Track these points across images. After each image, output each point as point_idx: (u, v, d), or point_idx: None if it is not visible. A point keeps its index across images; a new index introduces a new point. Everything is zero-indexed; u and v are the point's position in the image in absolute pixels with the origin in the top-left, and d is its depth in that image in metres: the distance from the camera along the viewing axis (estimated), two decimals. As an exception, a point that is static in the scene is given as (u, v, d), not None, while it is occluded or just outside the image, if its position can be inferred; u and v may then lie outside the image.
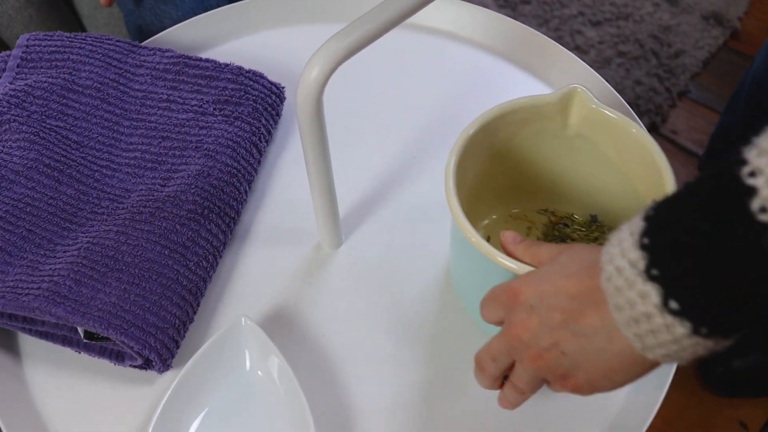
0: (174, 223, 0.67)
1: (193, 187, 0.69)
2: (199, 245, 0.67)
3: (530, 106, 0.64)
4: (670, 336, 0.41)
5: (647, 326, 0.42)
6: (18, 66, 0.77)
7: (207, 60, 0.78)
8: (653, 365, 0.46)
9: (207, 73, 0.77)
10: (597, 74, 0.81)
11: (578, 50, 1.61)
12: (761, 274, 0.38)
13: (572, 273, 0.48)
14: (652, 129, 1.53)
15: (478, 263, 0.59)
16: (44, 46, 0.78)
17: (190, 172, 0.71)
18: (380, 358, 0.65)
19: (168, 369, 0.64)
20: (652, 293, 0.41)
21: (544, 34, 1.64)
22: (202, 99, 0.76)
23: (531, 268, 0.55)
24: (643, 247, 0.42)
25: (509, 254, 0.57)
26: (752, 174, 0.37)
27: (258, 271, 0.70)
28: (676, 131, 1.53)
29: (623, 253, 0.43)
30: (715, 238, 0.39)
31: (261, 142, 0.75)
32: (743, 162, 0.38)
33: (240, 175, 0.72)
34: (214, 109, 0.75)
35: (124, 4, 0.95)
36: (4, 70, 0.78)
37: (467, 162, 0.62)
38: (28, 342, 0.67)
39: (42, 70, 0.77)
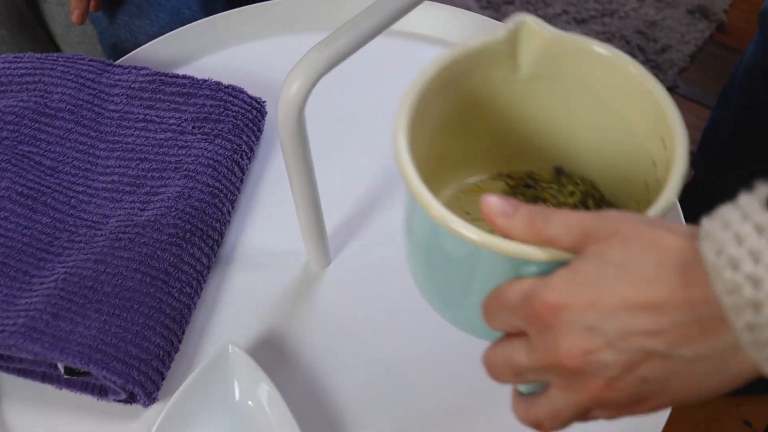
0: (155, 249, 0.64)
1: (173, 210, 0.67)
2: (182, 271, 0.64)
3: (477, 51, 0.50)
4: None
5: None
6: (-13, 91, 0.74)
7: (184, 77, 0.75)
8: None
9: (184, 90, 0.74)
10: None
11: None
12: None
13: (646, 277, 0.36)
14: (643, 126, 1.51)
15: (456, 255, 0.46)
16: (14, 69, 0.75)
17: (170, 194, 0.68)
18: (376, 382, 0.63)
19: (154, 402, 0.62)
20: None
21: (529, 34, 1.62)
22: (180, 117, 0.73)
23: (555, 256, 0.41)
24: None
25: (503, 233, 0.42)
26: None
27: (244, 295, 0.68)
28: (667, 128, 1.51)
29: (755, 257, 0.33)
30: None
31: (243, 159, 0.72)
32: None
33: (222, 195, 0.69)
34: (193, 127, 0.72)
35: (98, 21, 0.93)
36: (-28, 96, 0.75)
37: (416, 129, 0.50)
38: (6, 381, 0.64)
39: (12, 93, 0.74)
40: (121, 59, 0.81)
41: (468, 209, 0.57)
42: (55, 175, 0.70)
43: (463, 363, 0.63)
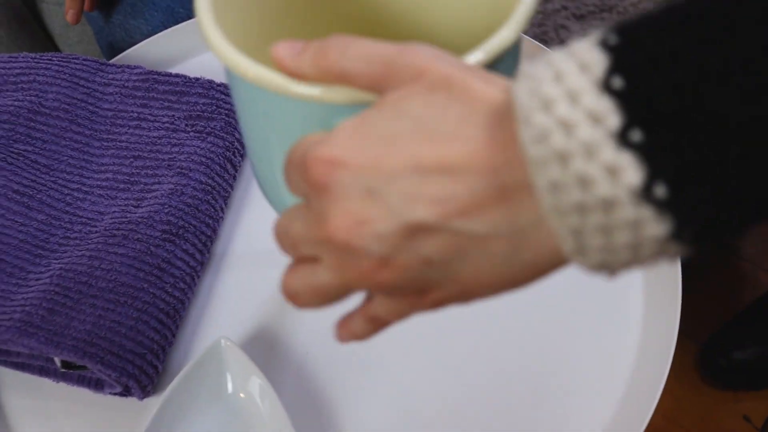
0: (148, 245, 0.65)
1: (166, 206, 0.68)
2: (176, 266, 0.65)
3: None
4: (632, 237, 0.27)
5: (601, 219, 0.27)
6: (-17, 91, 0.75)
7: (177, 75, 0.76)
8: (559, 267, 0.31)
9: (177, 89, 0.75)
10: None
11: (564, 45, 1.60)
12: None
13: (446, 133, 0.30)
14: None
15: (253, 109, 0.39)
16: (9, 68, 0.76)
17: (163, 192, 0.69)
18: (366, 375, 0.63)
19: (148, 395, 0.62)
20: (629, 170, 0.26)
21: (528, 30, 1.63)
22: (173, 115, 0.74)
23: (350, 97, 0.35)
24: (614, 93, 0.26)
25: (293, 75, 0.35)
26: None
27: (237, 291, 0.68)
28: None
29: (572, 97, 0.27)
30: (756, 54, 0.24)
31: (235, 157, 0.73)
32: None
33: (215, 192, 0.70)
34: (186, 125, 0.73)
35: (94, 21, 0.93)
36: (-31, 96, 0.76)
37: (242, 15, 0.42)
38: (4, 374, 0.65)
39: (7, 93, 0.75)
40: (115, 58, 0.82)
41: None
42: (50, 173, 0.71)
43: (456, 358, 0.63)
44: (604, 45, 0.27)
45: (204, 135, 0.72)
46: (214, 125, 0.73)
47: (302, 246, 0.35)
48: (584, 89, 0.26)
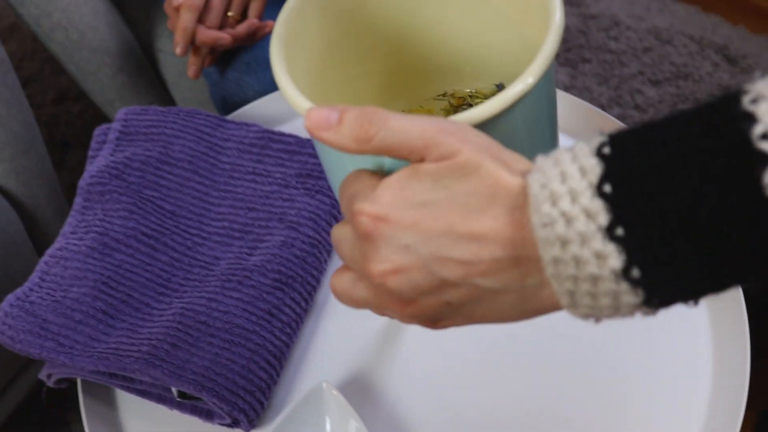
0: (260, 291, 0.72)
1: (277, 257, 0.75)
2: (284, 312, 0.72)
3: None
4: (613, 301, 0.35)
5: (590, 288, 0.35)
6: (117, 139, 0.84)
7: (290, 135, 0.84)
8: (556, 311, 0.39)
9: (290, 148, 0.83)
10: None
11: (638, 109, 1.65)
12: (753, 228, 0.31)
13: (476, 208, 0.37)
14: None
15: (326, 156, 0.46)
16: (140, 121, 0.85)
17: (274, 243, 0.76)
18: (460, 419, 0.69)
19: (253, 428, 0.69)
20: (613, 256, 0.34)
21: (604, 92, 1.68)
22: (285, 172, 0.81)
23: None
24: (604, 196, 0.34)
25: (335, 147, 0.41)
26: (754, 101, 0.31)
27: (336, 337, 0.75)
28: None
29: (573, 196, 0.35)
30: (700, 180, 0.32)
31: (340, 214, 0.80)
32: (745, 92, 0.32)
33: (321, 246, 0.77)
34: (297, 182, 0.80)
35: (210, 75, 1.02)
36: (104, 142, 0.84)
37: (308, 48, 0.50)
38: (126, 399, 0.73)
39: (139, 143, 0.83)
40: (232, 114, 0.90)
41: None
42: (174, 219, 0.79)
43: (542, 416, 0.69)
44: (600, 154, 0.35)
45: (313, 192, 0.80)
46: (323, 184, 0.80)
47: (348, 262, 0.43)
48: (582, 191, 0.34)
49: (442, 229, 0.37)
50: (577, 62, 1.75)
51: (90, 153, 0.84)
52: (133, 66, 1.10)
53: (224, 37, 0.91)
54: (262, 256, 0.75)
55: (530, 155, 0.45)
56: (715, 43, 1.75)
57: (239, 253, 0.77)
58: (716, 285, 0.34)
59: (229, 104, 1.01)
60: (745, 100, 0.32)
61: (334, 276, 0.45)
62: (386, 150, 0.39)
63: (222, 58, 1.00)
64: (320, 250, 0.77)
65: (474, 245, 0.37)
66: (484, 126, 0.44)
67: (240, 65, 0.99)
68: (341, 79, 0.55)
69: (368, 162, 0.43)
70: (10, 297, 0.72)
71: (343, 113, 0.40)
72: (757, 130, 0.30)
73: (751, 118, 0.31)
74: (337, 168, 0.48)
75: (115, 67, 1.08)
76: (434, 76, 0.59)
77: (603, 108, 1.66)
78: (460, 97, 0.60)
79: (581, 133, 0.86)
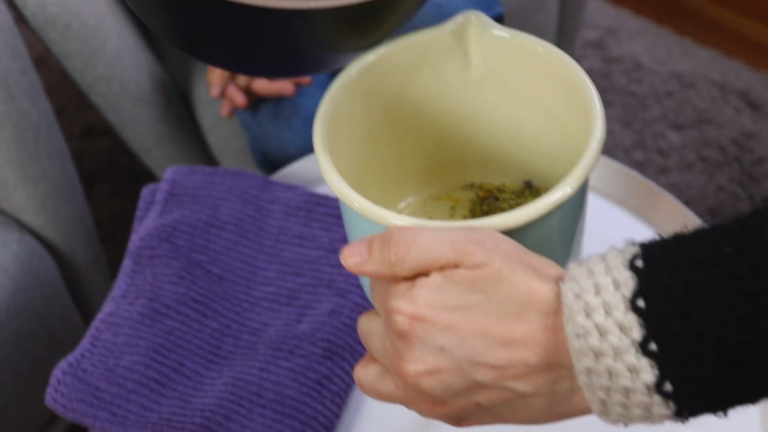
0: (311, 361, 0.73)
1: (326, 325, 0.75)
2: (334, 383, 0.73)
3: (418, 43, 0.52)
4: (645, 412, 0.36)
5: (622, 399, 0.36)
6: (165, 200, 0.84)
7: (335, 199, 0.84)
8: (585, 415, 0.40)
9: (335, 212, 0.83)
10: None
11: (661, 154, 1.66)
12: None
13: (511, 314, 0.38)
14: (735, 235, 1.56)
15: (361, 226, 0.48)
16: (188, 182, 0.85)
17: (323, 310, 0.77)
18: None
19: (304, 500, 0.70)
20: (646, 371, 0.35)
21: (627, 136, 1.69)
22: (331, 237, 0.82)
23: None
24: (638, 311, 0.35)
25: (370, 276, 0.42)
26: None
27: (384, 406, 0.75)
28: (759, 238, 1.56)
29: (607, 308, 0.36)
30: (731, 302, 0.33)
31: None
32: None
33: (369, 314, 0.77)
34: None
35: (249, 128, 1.03)
36: (152, 202, 0.85)
37: (350, 126, 0.52)
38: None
39: (187, 204, 0.84)
40: (276, 174, 0.91)
41: (432, 214, 0.61)
42: (222, 283, 0.80)
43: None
44: (633, 268, 0.36)
45: (360, 259, 0.80)
46: (370, 251, 0.81)
47: (377, 356, 0.43)
48: (616, 304, 0.35)
49: (477, 332, 0.38)
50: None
51: (138, 213, 0.84)
52: (171, 115, 1.11)
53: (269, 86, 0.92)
54: (311, 323, 0.76)
55: (557, 255, 0.47)
56: (738, 88, 1.76)
57: (288, 319, 0.77)
58: (747, 399, 0.36)
59: (268, 158, 1.02)
60: None
61: (359, 367, 0.45)
62: (420, 269, 0.40)
63: (259, 107, 1.01)
64: (369, 319, 0.77)
65: (508, 350, 0.38)
66: (517, 231, 0.45)
67: (281, 121, 1.00)
68: (379, 157, 0.56)
69: None
70: (62, 363, 0.73)
71: (370, 243, 0.42)
72: None
73: None
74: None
75: (154, 117, 1.09)
76: (466, 164, 0.60)
77: (626, 152, 1.67)
78: (487, 190, 0.61)
79: (615, 196, 0.87)
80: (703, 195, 1.58)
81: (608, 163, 0.91)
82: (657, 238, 0.37)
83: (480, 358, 0.38)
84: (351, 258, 0.42)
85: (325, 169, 0.48)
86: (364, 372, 0.45)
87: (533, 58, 0.52)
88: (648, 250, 0.36)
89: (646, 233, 0.84)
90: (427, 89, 0.55)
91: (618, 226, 0.87)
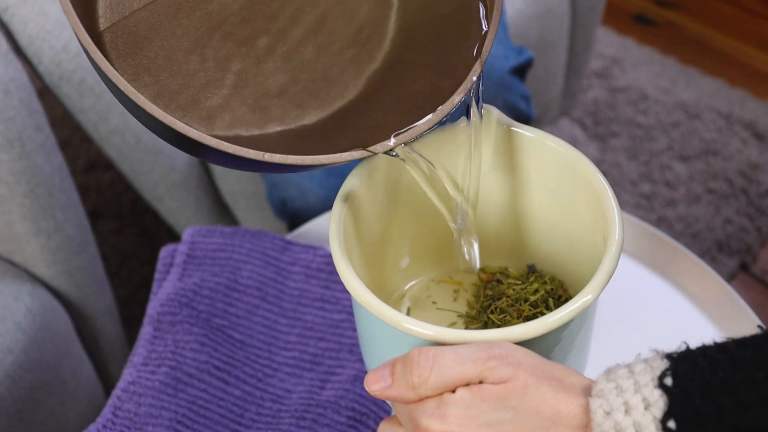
0: (335, 430, 0.72)
1: (350, 392, 0.75)
2: (360, 453, 0.72)
3: (437, 140, 0.55)
4: None
5: None
6: (185, 262, 0.84)
7: (357, 260, 0.84)
8: None
9: (357, 273, 0.83)
10: (731, 290, 0.81)
11: (668, 186, 1.66)
12: None
13: (538, 427, 0.39)
14: (743, 269, 1.56)
15: (374, 326, 0.50)
16: (207, 243, 0.85)
17: (347, 376, 0.76)
18: None
19: None
20: None
21: (634, 168, 1.69)
22: (353, 299, 0.81)
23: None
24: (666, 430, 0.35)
25: (396, 401, 0.44)
26: None
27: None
28: None
29: (638, 429, 0.36)
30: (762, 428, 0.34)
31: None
32: None
33: (393, 381, 0.77)
34: (366, 311, 0.81)
35: (269, 176, 1.02)
36: (171, 264, 0.84)
37: (364, 215, 0.54)
38: None
39: (206, 267, 0.83)
40: (296, 232, 0.90)
41: (435, 298, 0.63)
42: (244, 349, 0.79)
43: None
44: (663, 386, 0.35)
45: (382, 323, 0.80)
46: (392, 314, 0.80)
47: None
48: (647, 425, 0.35)
49: None
50: (606, 136, 1.77)
51: (157, 276, 0.84)
52: (183, 164, 1.10)
53: None
54: (335, 390, 0.75)
55: (573, 355, 0.47)
56: (744, 118, 1.77)
57: (310, 386, 0.77)
58: None
59: (287, 207, 1.01)
60: None
61: None
62: (444, 387, 0.41)
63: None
64: (393, 387, 0.77)
65: None
66: (536, 338, 0.45)
67: (297, 172, 0.99)
68: (385, 241, 0.58)
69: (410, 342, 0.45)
70: (85, 436, 0.72)
71: (392, 368, 0.43)
72: None
73: None
74: (377, 342, 0.51)
75: (166, 167, 1.08)
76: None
77: (634, 184, 1.67)
78: (491, 273, 0.62)
79: (638, 255, 0.86)
80: (710, 228, 1.58)
81: (625, 217, 0.90)
82: (683, 348, 0.37)
83: None
84: (375, 384, 0.43)
85: (346, 279, 0.49)
86: None
87: (537, 149, 0.54)
88: (677, 366, 0.37)
89: (661, 287, 0.83)
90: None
91: (633, 281, 0.86)
